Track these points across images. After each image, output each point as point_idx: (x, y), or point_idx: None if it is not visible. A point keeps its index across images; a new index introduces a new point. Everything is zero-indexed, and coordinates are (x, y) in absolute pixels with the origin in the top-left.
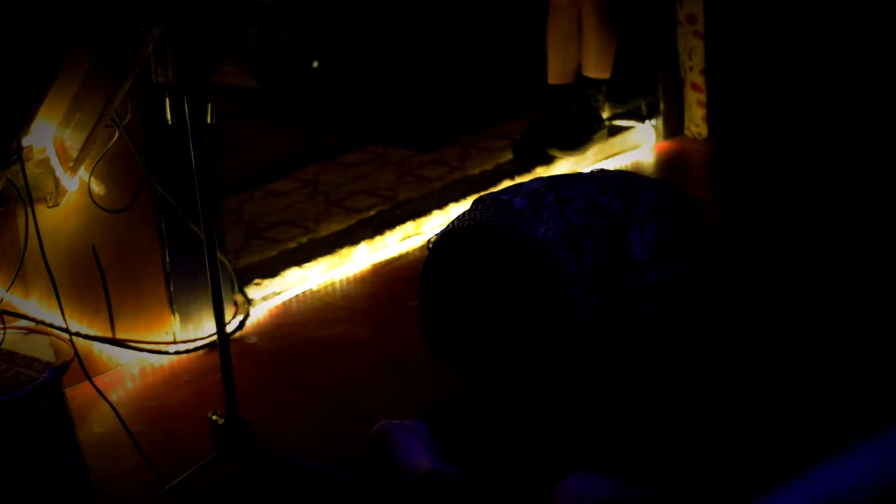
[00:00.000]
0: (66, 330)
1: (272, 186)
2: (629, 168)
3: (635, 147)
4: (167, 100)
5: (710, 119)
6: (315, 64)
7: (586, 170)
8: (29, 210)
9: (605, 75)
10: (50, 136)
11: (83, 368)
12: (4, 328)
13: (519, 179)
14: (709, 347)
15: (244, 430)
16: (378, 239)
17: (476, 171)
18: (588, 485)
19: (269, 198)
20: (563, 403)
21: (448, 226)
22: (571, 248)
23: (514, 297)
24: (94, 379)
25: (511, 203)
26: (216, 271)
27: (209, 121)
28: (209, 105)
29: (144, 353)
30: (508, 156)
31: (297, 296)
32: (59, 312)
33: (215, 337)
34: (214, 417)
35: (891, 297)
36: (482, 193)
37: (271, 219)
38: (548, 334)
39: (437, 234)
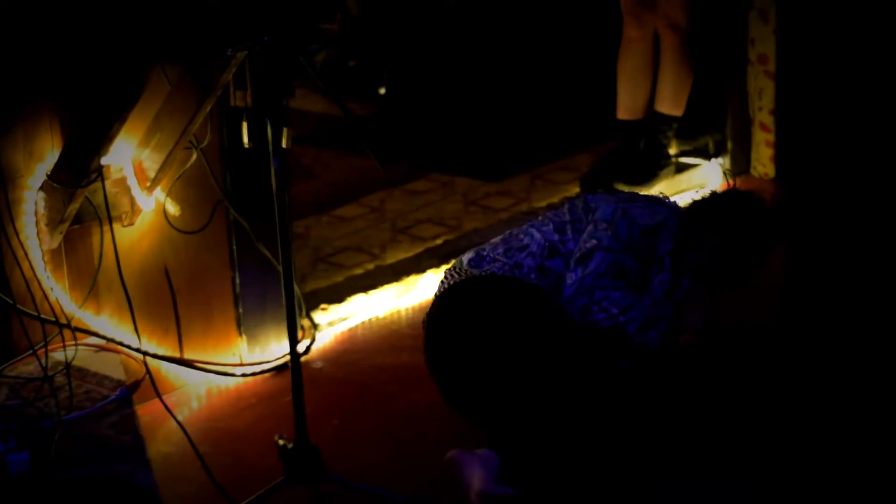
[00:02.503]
0: (137, 349)
1: (338, 212)
2: None
3: (702, 185)
4: (245, 123)
5: (778, 159)
6: (382, 90)
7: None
8: (106, 228)
9: (679, 112)
10: (129, 156)
11: (154, 387)
12: (76, 344)
13: None
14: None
15: (313, 455)
16: (444, 268)
17: (542, 204)
18: None
19: (336, 223)
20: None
21: (434, 300)
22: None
23: (496, 328)
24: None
25: (461, 260)
26: (292, 296)
27: (285, 145)
28: (285, 129)
29: (211, 375)
30: (575, 189)
31: (362, 322)
32: (129, 330)
33: (282, 360)
34: (282, 442)
35: None
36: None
37: (337, 244)
38: (537, 350)
39: (426, 315)
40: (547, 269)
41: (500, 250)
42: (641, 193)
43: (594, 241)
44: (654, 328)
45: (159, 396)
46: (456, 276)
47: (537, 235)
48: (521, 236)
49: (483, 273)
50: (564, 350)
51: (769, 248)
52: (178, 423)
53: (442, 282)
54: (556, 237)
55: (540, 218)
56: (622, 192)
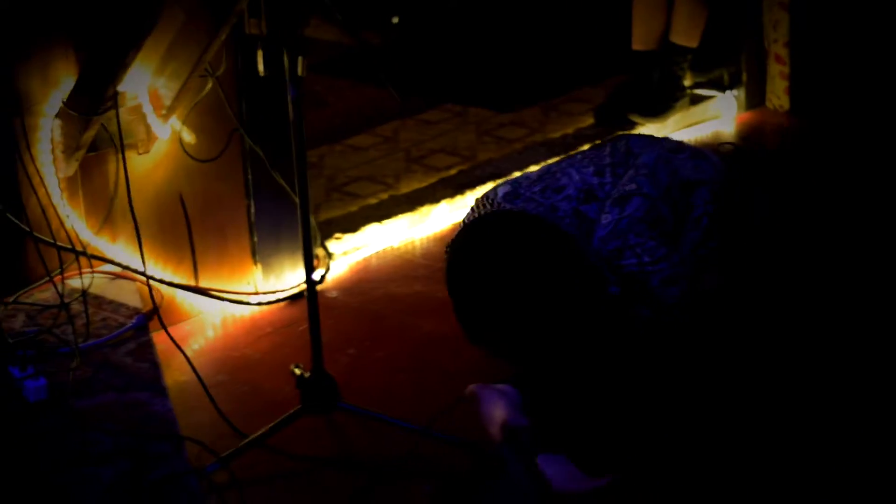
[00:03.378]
0: (151, 276)
1: (352, 141)
2: (710, 138)
3: (716, 117)
4: (260, 52)
5: (793, 92)
6: (395, 19)
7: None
8: (120, 156)
9: (694, 44)
10: (144, 84)
11: (160, 319)
12: (92, 272)
13: None
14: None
15: (329, 384)
16: (458, 198)
17: (557, 135)
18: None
19: (350, 152)
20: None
21: (460, 226)
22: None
23: (525, 268)
24: (176, 326)
25: (496, 192)
26: (307, 225)
27: (300, 74)
28: (300, 58)
29: (226, 303)
30: (589, 120)
31: (377, 252)
32: (146, 259)
33: (297, 289)
34: (298, 371)
35: None
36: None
37: (351, 173)
38: (563, 297)
39: (451, 240)
40: (582, 214)
41: (537, 188)
42: (687, 144)
43: (633, 186)
44: (676, 285)
45: (165, 328)
46: (488, 206)
47: (576, 177)
48: (559, 175)
49: (517, 209)
50: (588, 300)
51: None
52: (185, 356)
53: (473, 209)
54: (596, 180)
55: (579, 156)
56: (668, 139)
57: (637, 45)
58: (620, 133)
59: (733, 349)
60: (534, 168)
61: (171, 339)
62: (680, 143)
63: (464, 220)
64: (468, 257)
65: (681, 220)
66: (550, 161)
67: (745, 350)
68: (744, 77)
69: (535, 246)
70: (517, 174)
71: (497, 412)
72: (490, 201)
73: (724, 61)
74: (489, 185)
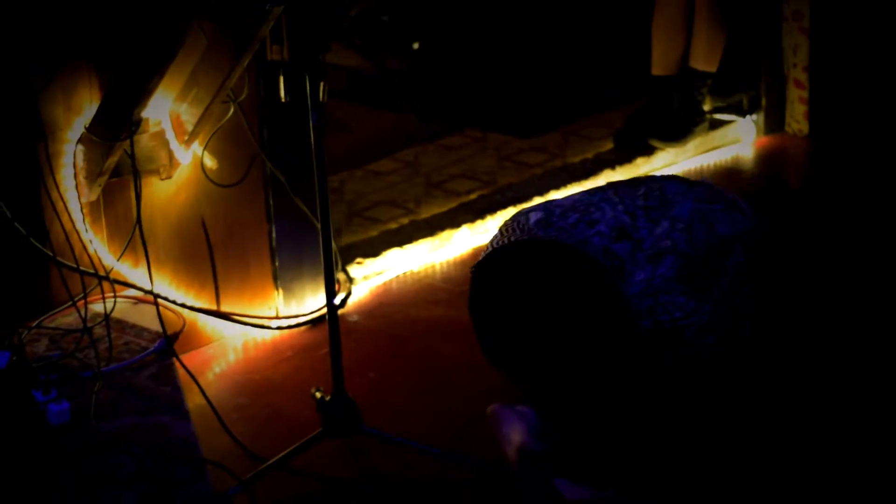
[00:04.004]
0: (173, 301)
1: (373, 166)
2: (729, 162)
3: (735, 141)
4: (282, 77)
5: (812, 116)
6: (416, 45)
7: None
8: (138, 181)
9: (713, 69)
10: (166, 110)
11: (173, 350)
12: (115, 297)
13: (619, 169)
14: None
15: (350, 408)
16: (479, 223)
17: (576, 160)
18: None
19: (370, 177)
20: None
21: (487, 248)
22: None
23: (555, 297)
24: (198, 350)
25: (528, 217)
26: (329, 249)
27: (322, 99)
28: (322, 84)
29: (248, 327)
30: (609, 145)
31: (397, 276)
32: (168, 283)
33: (318, 313)
34: (318, 394)
35: None
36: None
37: (372, 198)
38: (593, 329)
39: (476, 262)
40: (612, 253)
41: (571, 220)
42: (720, 191)
43: (669, 243)
44: (713, 334)
45: (176, 356)
46: (518, 232)
47: (609, 213)
48: (593, 210)
49: (549, 238)
50: (618, 333)
51: None
52: (196, 382)
53: (501, 233)
54: (628, 220)
55: (611, 192)
56: (700, 187)
57: (657, 70)
58: (653, 175)
59: (761, 391)
60: (554, 193)
61: (184, 366)
62: (713, 192)
63: (491, 244)
64: (496, 281)
65: (714, 273)
66: (572, 187)
67: (771, 393)
68: (763, 102)
69: (568, 275)
70: (538, 199)
71: (515, 434)
72: (521, 227)
73: (744, 86)
74: (510, 210)
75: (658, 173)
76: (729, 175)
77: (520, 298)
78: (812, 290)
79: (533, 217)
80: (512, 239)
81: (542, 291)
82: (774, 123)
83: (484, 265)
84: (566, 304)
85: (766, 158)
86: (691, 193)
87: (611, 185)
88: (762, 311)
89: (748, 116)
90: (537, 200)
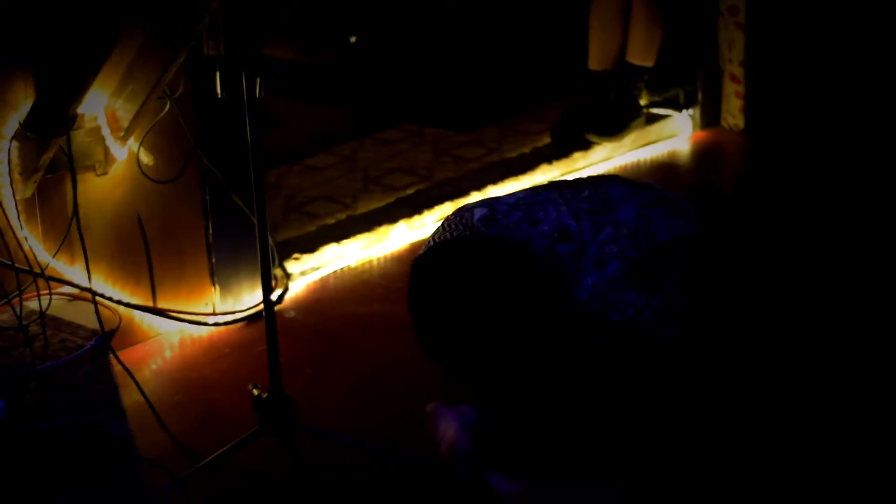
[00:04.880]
0: (109, 298)
1: (310, 161)
2: (665, 157)
3: (672, 136)
4: (218, 73)
5: (748, 111)
6: (353, 39)
7: (586, 173)
8: (73, 177)
9: (650, 63)
10: (102, 106)
11: (110, 347)
12: (51, 294)
13: (556, 164)
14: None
15: (287, 405)
16: (416, 218)
17: (513, 154)
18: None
19: (307, 172)
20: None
21: (427, 242)
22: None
23: (498, 293)
24: (134, 347)
25: (473, 213)
26: (266, 245)
27: (258, 95)
28: (258, 79)
29: (184, 324)
30: (546, 139)
31: (334, 272)
32: (103, 280)
33: (255, 310)
34: (255, 391)
35: None
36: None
37: (309, 193)
38: (535, 325)
39: (417, 256)
40: (555, 253)
41: (515, 218)
42: (665, 194)
43: (614, 247)
44: (665, 326)
45: (114, 353)
46: (461, 227)
47: (552, 214)
48: (536, 209)
49: (494, 234)
50: (560, 332)
51: None
52: (135, 380)
53: (444, 228)
54: (572, 223)
55: (556, 192)
56: (645, 191)
57: (593, 65)
58: (598, 176)
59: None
60: (492, 188)
61: (120, 363)
62: (658, 196)
63: (432, 238)
64: (436, 275)
65: (660, 273)
66: (509, 181)
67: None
68: (699, 96)
69: (510, 273)
70: (476, 194)
71: (450, 433)
72: (465, 222)
73: (680, 81)
74: (447, 205)
75: (595, 168)
76: (665, 169)
77: (460, 293)
78: (750, 286)
79: (477, 213)
80: (454, 234)
81: (483, 287)
82: (710, 118)
83: (425, 259)
84: (507, 301)
85: (702, 153)
86: (636, 199)
87: (555, 184)
88: (705, 308)
89: (684, 111)
90: (475, 195)
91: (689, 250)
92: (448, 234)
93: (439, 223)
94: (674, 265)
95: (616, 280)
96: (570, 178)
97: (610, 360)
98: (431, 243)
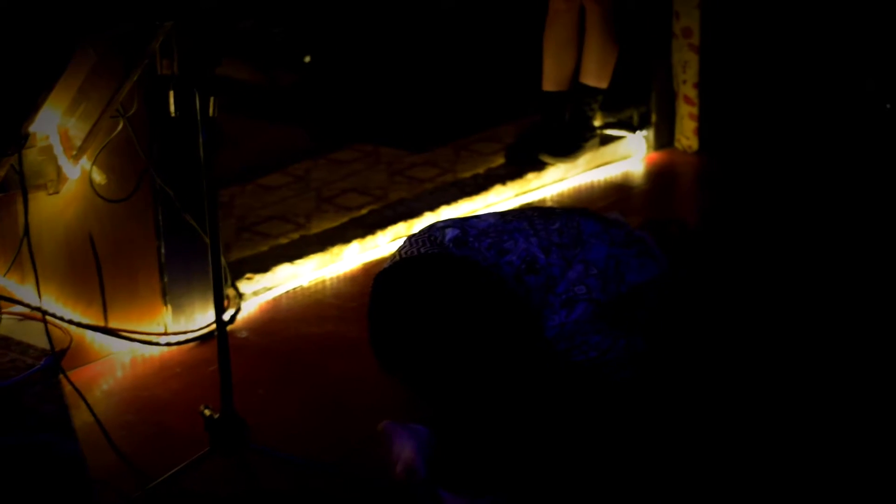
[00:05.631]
0: (61, 317)
1: (263, 181)
2: (619, 178)
3: (626, 157)
4: (171, 92)
5: (702, 132)
6: (307, 59)
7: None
8: (23, 196)
9: (604, 85)
10: (54, 124)
11: (60, 367)
12: (1, 313)
13: (510, 184)
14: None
15: (239, 426)
16: (369, 238)
17: (467, 174)
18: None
19: (261, 192)
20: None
21: (393, 257)
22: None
23: (466, 314)
24: (86, 367)
25: (444, 233)
26: (218, 265)
27: (212, 114)
28: (212, 98)
29: (136, 344)
30: (500, 160)
31: (287, 292)
32: (54, 299)
33: (207, 330)
34: (207, 412)
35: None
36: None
37: (262, 213)
38: (500, 349)
39: (381, 270)
40: (523, 282)
41: (486, 243)
42: (635, 235)
43: (583, 289)
44: (626, 370)
45: (64, 373)
46: (429, 245)
47: (522, 245)
48: (506, 237)
49: (463, 256)
50: (521, 359)
51: None
52: (85, 401)
53: (412, 244)
54: (541, 256)
55: (526, 223)
56: (615, 228)
57: (548, 86)
58: (570, 208)
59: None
60: (445, 208)
61: (71, 383)
62: (628, 236)
63: (399, 253)
64: (402, 290)
65: (628, 316)
66: (463, 202)
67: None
68: (653, 118)
69: (480, 296)
70: (429, 214)
71: (404, 453)
72: (435, 241)
73: (634, 102)
74: (400, 225)
75: (549, 189)
76: (619, 190)
77: (424, 310)
78: (711, 330)
79: (449, 233)
80: (422, 251)
81: (448, 307)
82: (664, 139)
83: (390, 273)
84: (472, 323)
85: (656, 174)
86: (606, 236)
87: (526, 214)
88: (666, 351)
89: (638, 132)
90: (428, 216)
91: (655, 294)
92: (416, 250)
93: (402, 239)
94: (640, 309)
95: (583, 322)
96: (526, 199)
97: (566, 392)
98: (398, 258)
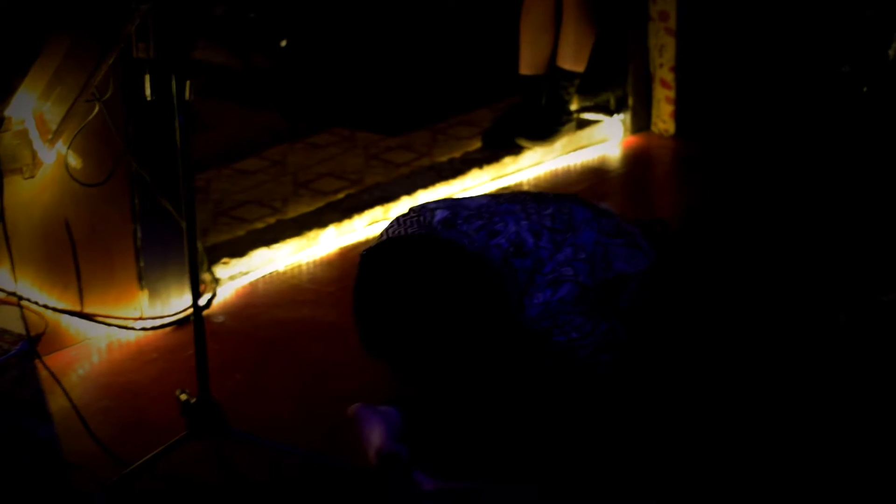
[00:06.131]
0: (36, 302)
1: (240, 165)
2: (596, 162)
3: (602, 141)
4: (147, 76)
5: (678, 116)
6: (283, 43)
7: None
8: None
9: (580, 68)
10: (30, 108)
11: (36, 352)
12: None
13: (487, 168)
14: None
15: (215, 410)
16: (346, 223)
17: (444, 159)
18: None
19: (237, 176)
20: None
21: (380, 236)
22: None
23: (450, 297)
24: (61, 352)
25: (434, 214)
26: (195, 250)
27: (188, 97)
28: (188, 82)
29: (112, 328)
30: (477, 144)
31: (263, 276)
32: (30, 284)
33: (183, 314)
34: (183, 396)
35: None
36: (419, 204)
37: (238, 197)
38: (483, 333)
39: (367, 248)
40: (510, 264)
41: (475, 226)
42: (624, 226)
43: (570, 271)
44: (607, 353)
45: (39, 357)
46: (417, 226)
47: (512, 227)
48: (497, 220)
49: (451, 239)
50: (503, 342)
51: None
52: (61, 385)
53: (400, 224)
54: (530, 239)
55: (519, 205)
56: (605, 218)
57: (524, 70)
58: (563, 194)
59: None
60: (422, 192)
61: (47, 368)
62: (617, 226)
63: (386, 232)
64: (388, 270)
65: (610, 302)
66: (440, 186)
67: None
68: (630, 101)
69: (465, 279)
70: (406, 199)
71: (375, 436)
72: (423, 222)
73: (611, 86)
74: (377, 210)
75: (526, 173)
76: (596, 174)
77: (409, 291)
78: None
79: (438, 215)
80: (409, 231)
81: (433, 289)
82: (641, 123)
83: (376, 252)
84: (456, 305)
85: (632, 158)
86: (595, 224)
87: (519, 197)
88: (646, 340)
89: (615, 116)
90: (405, 200)
91: (639, 285)
92: (403, 230)
93: (379, 224)
94: (623, 297)
95: (567, 302)
96: (503, 183)
97: (544, 375)
98: (385, 237)
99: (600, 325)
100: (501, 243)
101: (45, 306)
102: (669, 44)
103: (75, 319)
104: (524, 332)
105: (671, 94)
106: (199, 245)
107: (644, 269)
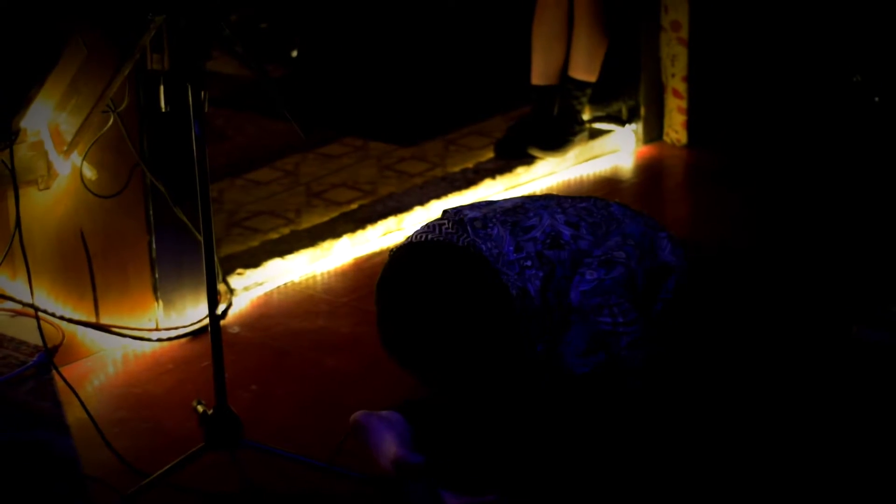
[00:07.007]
0: (52, 313)
1: (252, 175)
2: (609, 172)
3: (615, 151)
4: (162, 87)
5: (690, 126)
6: (294, 53)
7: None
8: (14, 191)
9: (592, 78)
10: (45, 119)
11: (52, 363)
12: None
13: (500, 178)
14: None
15: (232, 421)
16: (360, 233)
17: (457, 169)
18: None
19: (250, 186)
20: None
21: (409, 238)
22: (515, 270)
23: (463, 309)
24: (77, 363)
25: (465, 217)
26: (212, 260)
27: (203, 109)
28: (203, 93)
29: (127, 339)
30: (489, 154)
31: (278, 287)
32: (46, 295)
33: (198, 325)
34: (200, 407)
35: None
36: (453, 206)
37: (252, 208)
38: (491, 346)
39: (397, 245)
40: (545, 258)
41: (509, 222)
42: (658, 224)
43: (622, 255)
44: (641, 349)
45: (57, 369)
46: (436, 231)
47: (546, 221)
48: (531, 214)
49: (472, 243)
50: (509, 362)
51: None
52: (77, 395)
53: (426, 227)
54: (567, 231)
55: (554, 201)
56: (644, 216)
57: (536, 80)
58: (599, 197)
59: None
60: (435, 202)
61: (63, 379)
62: (657, 222)
63: (412, 236)
64: (403, 275)
65: (650, 298)
66: (452, 196)
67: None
68: (642, 111)
69: (474, 290)
70: (419, 209)
71: (387, 444)
72: (458, 227)
73: (623, 95)
74: (391, 220)
75: (539, 183)
76: (608, 185)
77: (417, 298)
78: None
79: (468, 215)
80: (429, 237)
81: (440, 297)
82: (653, 133)
83: (397, 255)
84: (462, 317)
85: (645, 168)
86: (640, 217)
87: (553, 195)
88: (677, 343)
89: (627, 126)
90: (418, 210)
91: (679, 278)
92: (423, 236)
93: (392, 234)
94: (664, 291)
95: (619, 283)
96: (516, 193)
97: (559, 394)
98: (408, 241)
99: (642, 320)
100: (537, 236)
101: (62, 318)
102: (681, 54)
103: (91, 331)
104: (529, 353)
105: (683, 103)
106: (215, 256)
107: (682, 266)
